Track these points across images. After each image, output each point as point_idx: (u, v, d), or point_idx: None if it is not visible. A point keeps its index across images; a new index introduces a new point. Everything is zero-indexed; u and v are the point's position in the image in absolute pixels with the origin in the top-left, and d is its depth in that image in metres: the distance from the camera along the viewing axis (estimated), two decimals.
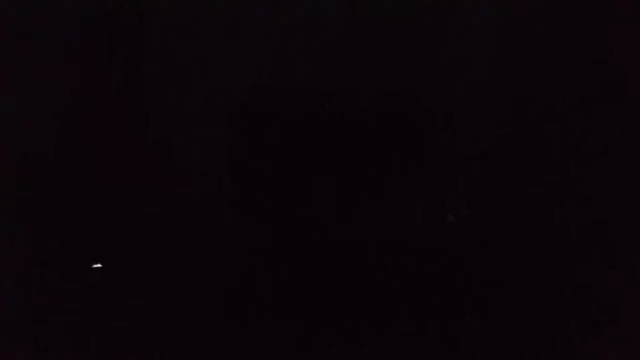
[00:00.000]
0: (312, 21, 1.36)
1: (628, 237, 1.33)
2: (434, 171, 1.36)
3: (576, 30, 1.34)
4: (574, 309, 1.33)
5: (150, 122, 1.37)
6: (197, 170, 1.37)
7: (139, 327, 1.34)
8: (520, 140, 1.35)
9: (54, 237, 1.34)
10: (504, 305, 1.34)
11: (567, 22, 1.34)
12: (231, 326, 1.35)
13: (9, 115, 1.34)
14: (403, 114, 1.36)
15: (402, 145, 1.36)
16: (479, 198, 1.36)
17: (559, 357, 1.33)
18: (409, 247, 1.35)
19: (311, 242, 1.35)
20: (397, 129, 1.36)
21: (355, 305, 1.35)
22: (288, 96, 1.37)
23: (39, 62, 1.34)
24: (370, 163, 1.35)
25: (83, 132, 1.36)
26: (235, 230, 1.36)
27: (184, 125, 1.37)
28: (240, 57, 1.37)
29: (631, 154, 1.33)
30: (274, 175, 1.36)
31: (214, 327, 1.34)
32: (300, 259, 1.35)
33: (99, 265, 1.35)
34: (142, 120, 1.37)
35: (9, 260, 1.32)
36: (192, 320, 1.34)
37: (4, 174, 1.33)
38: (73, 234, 1.35)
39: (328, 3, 1.36)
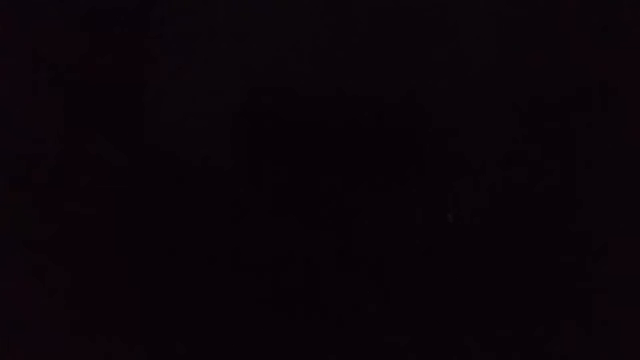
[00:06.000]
0: (312, 21, 1.36)
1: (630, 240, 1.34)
2: (436, 172, 1.36)
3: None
4: (576, 309, 1.33)
5: (150, 121, 1.37)
6: (198, 172, 1.37)
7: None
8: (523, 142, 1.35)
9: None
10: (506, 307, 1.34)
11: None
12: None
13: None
14: (404, 115, 1.36)
15: (403, 146, 1.35)
16: (480, 200, 1.36)
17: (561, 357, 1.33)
18: (409, 249, 1.34)
19: (311, 244, 1.35)
20: (398, 130, 1.36)
21: (354, 306, 1.35)
22: (288, 98, 1.37)
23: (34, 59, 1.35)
24: (371, 164, 1.35)
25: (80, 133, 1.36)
26: (235, 231, 1.36)
27: (183, 126, 1.37)
28: (241, 57, 1.36)
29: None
30: (274, 178, 1.36)
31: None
32: (299, 260, 1.35)
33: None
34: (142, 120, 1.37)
35: None
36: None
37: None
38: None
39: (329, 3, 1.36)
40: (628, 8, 1.34)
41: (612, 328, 1.33)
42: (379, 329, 1.34)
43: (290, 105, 1.36)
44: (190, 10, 1.37)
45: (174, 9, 1.37)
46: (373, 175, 1.35)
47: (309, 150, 1.35)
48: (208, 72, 1.36)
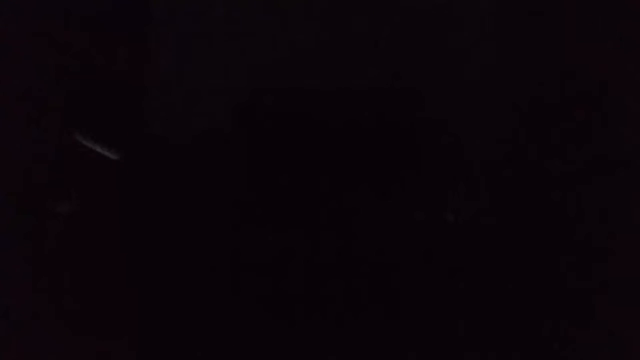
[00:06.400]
0: (313, 20, 1.36)
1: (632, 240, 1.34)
2: (436, 172, 1.36)
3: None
4: (576, 311, 1.33)
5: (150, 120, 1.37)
6: (197, 172, 1.37)
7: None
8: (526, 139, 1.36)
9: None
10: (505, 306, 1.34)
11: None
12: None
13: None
14: (404, 115, 1.36)
15: (403, 146, 1.36)
16: (481, 199, 1.36)
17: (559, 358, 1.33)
18: (409, 249, 1.34)
19: (311, 245, 1.35)
20: (398, 130, 1.36)
21: (354, 306, 1.35)
22: (288, 98, 1.37)
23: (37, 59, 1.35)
24: (371, 164, 1.35)
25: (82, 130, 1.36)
26: (234, 233, 1.36)
27: (185, 126, 1.37)
28: (241, 57, 1.37)
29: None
30: (273, 177, 1.36)
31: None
32: (299, 260, 1.35)
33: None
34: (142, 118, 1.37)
35: None
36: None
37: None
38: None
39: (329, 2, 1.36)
40: (628, 9, 1.34)
41: (612, 329, 1.33)
42: (378, 328, 1.34)
43: (290, 105, 1.36)
44: (190, 11, 1.37)
45: (175, 9, 1.37)
46: (373, 175, 1.35)
47: (309, 149, 1.35)
48: (207, 73, 1.37)
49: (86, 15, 1.36)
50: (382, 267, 1.35)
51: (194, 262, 1.35)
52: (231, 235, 1.36)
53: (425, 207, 1.35)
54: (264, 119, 1.36)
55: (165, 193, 1.36)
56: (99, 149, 1.31)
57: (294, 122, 1.36)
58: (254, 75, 1.36)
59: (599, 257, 1.33)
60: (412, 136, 1.36)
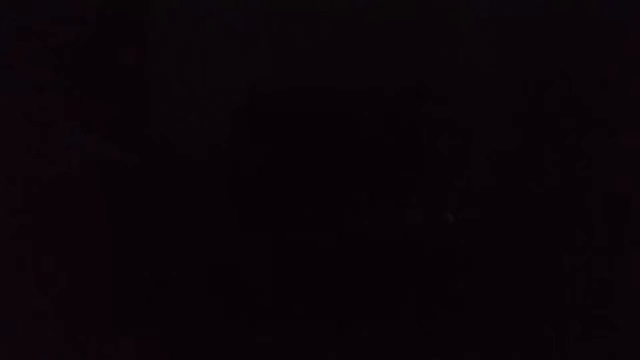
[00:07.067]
0: (313, 20, 1.36)
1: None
2: (435, 172, 1.36)
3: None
4: (575, 311, 1.33)
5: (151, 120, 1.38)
6: (197, 173, 1.37)
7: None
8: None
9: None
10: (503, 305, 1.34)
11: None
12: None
13: None
14: (404, 115, 1.36)
15: (402, 146, 1.36)
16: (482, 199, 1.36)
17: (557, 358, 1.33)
18: (408, 247, 1.34)
19: (311, 244, 1.35)
20: (398, 130, 1.36)
21: (353, 305, 1.35)
22: (287, 97, 1.37)
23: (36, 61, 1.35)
24: (371, 165, 1.35)
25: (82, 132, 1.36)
26: (235, 231, 1.36)
27: (185, 125, 1.37)
28: (241, 56, 1.37)
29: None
30: (274, 176, 1.36)
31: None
32: (299, 261, 1.35)
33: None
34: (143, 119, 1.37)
35: None
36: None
37: None
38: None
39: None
40: (628, 8, 1.34)
41: (614, 330, 1.33)
42: (378, 328, 1.34)
43: (289, 104, 1.36)
44: (191, 11, 1.37)
45: (175, 10, 1.37)
46: (373, 176, 1.35)
47: (309, 149, 1.35)
48: (207, 73, 1.37)
49: (86, 14, 1.36)
50: (382, 267, 1.35)
51: (193, 262, 1.35)
52: (231, 235, 1.36)
53: (425, 207, 1.35)
54: (264, 119, 1.36)
55: (165, 193, 1.36)
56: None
57: (294, 122, 1.36)
58: (253, 76, 1.37)
59: (600, 258, 1.33)
60: (412, 137, 1.36)
